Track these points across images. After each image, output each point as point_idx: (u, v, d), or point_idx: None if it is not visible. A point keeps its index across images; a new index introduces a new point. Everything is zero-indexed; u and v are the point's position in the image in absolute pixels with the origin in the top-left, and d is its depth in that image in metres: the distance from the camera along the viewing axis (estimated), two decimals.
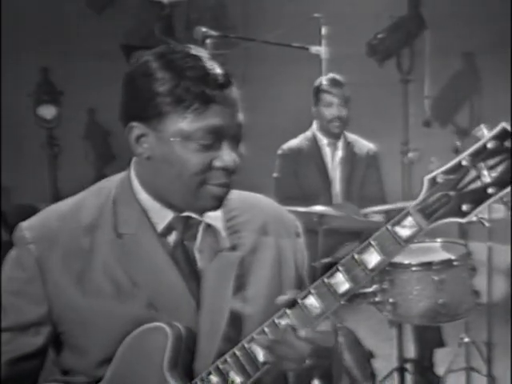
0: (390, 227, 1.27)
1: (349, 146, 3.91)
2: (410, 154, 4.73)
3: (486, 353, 3.19)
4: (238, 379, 1.35)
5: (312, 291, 1.31)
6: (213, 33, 3.42)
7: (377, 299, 2.89)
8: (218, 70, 1.38)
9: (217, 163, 1.38)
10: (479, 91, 5.13)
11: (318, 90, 3.86)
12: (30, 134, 6.26)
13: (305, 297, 1.31)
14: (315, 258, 3.17)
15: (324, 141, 3.91)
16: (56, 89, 6.08)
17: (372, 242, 1.27)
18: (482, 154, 1.24)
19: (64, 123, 6.09)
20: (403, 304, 2.79)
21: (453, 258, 2.83)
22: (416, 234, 1.27)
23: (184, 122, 1.36)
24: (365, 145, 3.96)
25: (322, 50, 3.52)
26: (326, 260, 3.25)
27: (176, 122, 1.37)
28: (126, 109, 1.43)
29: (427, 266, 2.80)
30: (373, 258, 1.27)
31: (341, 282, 1.29)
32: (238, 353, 1.36)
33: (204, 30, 3.41)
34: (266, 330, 1.33)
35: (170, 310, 1.43)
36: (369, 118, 4.93)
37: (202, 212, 1.46)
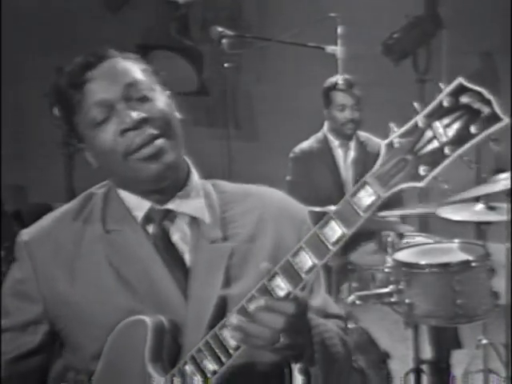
0: (348, 198, 1.22)
1: (361, 145, 3.86)
2: None
3: (505, 355, 3.16)
4: (211, 367, 1.34)
5: (278, 271, 1.28)
6: (229, 32, 3.43)
7: (393, 300, 2.87)
8: (80, 58, 1.50)
9: (120, 126, 1.42)
10: (497, 91, 5.08)
11: (329, 91, 3.80)
12: (45, 133, 6.28)
13: (271, 278, 1.29)
14: (330, 259, 3.14)
15: (335, 142, 3.86)
16: None
17: (332, 216, 1.24)
18: (437, 113, 1.17)
19: None
20: (420, 305, 2.76)
21: (471, 258, 2.80)
22: (375, 203, 1.21)
23: (81, 114, 1.47)
24: (377, 143, 3.91)
25: (337, 49, 3.50)
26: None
27: (81, 118, 1.48)
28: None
29: (445, 266, 2.77)
30: (334, 232, 1.24)
31: (305, 260, 1.26)
32: (210, 340, 1.34)
33: (220, 29, 3.42)
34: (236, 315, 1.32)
35: (157, 302, 1.44)
36: (384, 119, 4.88)
37: (156, 183, 1.46)
